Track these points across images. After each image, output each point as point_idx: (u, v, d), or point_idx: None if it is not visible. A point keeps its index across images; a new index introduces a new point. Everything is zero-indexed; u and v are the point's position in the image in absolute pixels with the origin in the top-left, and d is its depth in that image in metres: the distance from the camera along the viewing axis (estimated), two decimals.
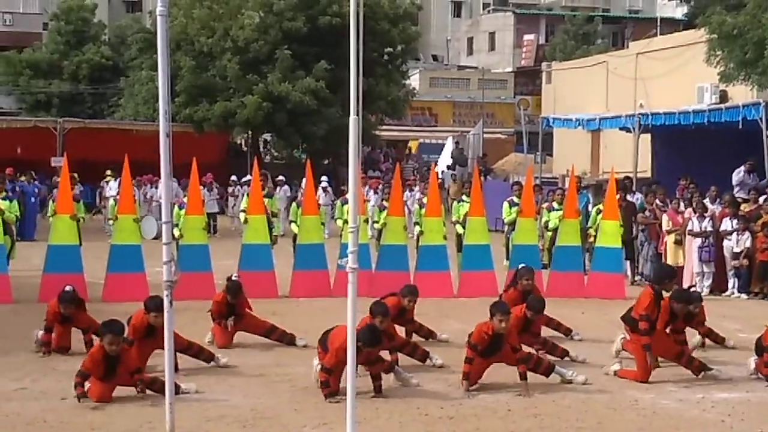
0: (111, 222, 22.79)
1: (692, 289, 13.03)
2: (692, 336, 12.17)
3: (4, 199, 16.47)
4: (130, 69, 45.44)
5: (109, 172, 29.53)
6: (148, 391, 9.46)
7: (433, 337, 12.45)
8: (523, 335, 10.88)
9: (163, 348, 8.34)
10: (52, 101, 50.98)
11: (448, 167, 42.54)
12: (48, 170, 32.96)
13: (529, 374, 10.11)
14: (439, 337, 12.44)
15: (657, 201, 19.48)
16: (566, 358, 11.42)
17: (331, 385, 9.52)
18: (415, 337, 12.03)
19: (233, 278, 12.37)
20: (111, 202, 26.06)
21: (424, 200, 20.46)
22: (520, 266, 12.65)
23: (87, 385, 9.39)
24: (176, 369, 9.28)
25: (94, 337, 10.85)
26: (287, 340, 12.17)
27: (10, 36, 55.52)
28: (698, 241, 17.99)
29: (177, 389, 9.39)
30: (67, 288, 11.65)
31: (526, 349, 10.59)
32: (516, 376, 10.15)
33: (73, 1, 54.11)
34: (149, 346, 10.17)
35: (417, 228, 18.89)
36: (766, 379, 10.65)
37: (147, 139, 26.85)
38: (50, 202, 21.14)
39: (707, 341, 12.49)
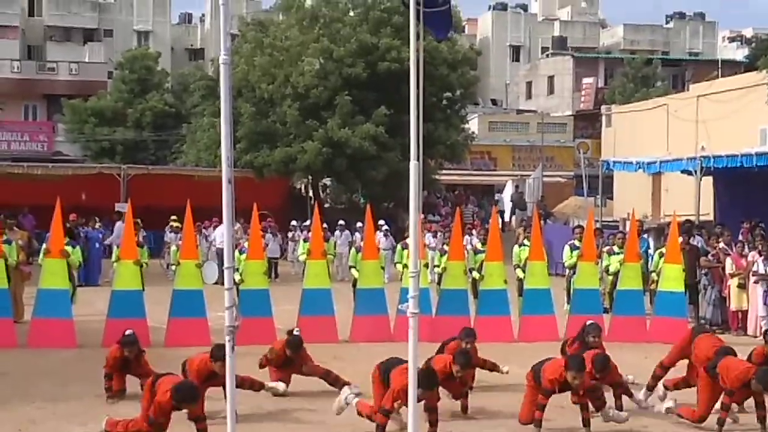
0: (173, 267, 23.00)
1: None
2: None
3: (68, 245, 16.73)
4: (192, 116, 46.05)
5: (173, 217, 29.86)
6: None
7: (498, 369, 12.41)
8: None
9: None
10: (116, 148, 51.82)
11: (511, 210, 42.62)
12: (112, 217, 33.42)
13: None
14: (502, 369, 12.38)
15: (721, 244, 19.25)
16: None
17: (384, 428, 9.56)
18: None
19: (295, 332, 12.34)
20: (173, 247, 26.32)
21: (479, 246, 20.40)
22: (588, 322, 12.44)
23: None
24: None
25: None
26: (340, 386, 12.09)
27: (75, 85, 56.77)
28: (764, 284, 17.73)
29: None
30: (128, 332, 11.81)
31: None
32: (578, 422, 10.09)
33: (137, 51, 55.22)
34: (206, 386, 10.27)
35: (474, 273, 18.81)
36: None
37: (209, 184, 27.12)
38: (114, 247, 21.41)
39: None
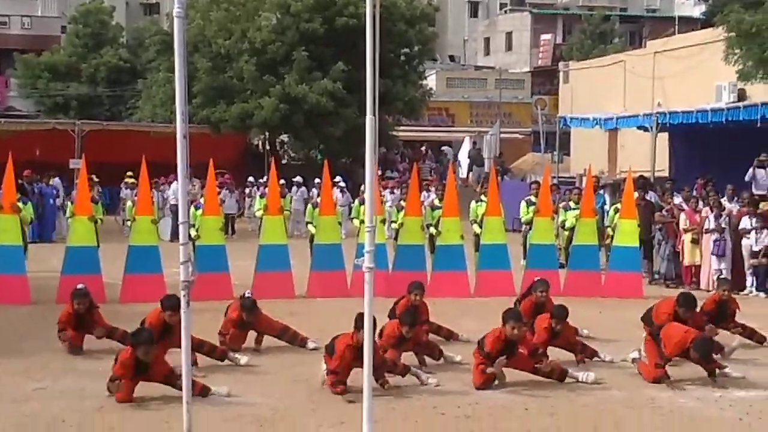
0: (129, 223, 22.88)
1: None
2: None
3: (19, 201, 16.52)
4: (148, 71, 45.64)
5: (129, 174, 29.63)
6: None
7: (455, 338, 12.47)
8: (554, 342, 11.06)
9: (177, 347, 8.38)
10: (70, 104, 51.28)
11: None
12: (67, 172, 33.07)
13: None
14: (461, 337, 12.43)
15: (677, 199, 19.44)
16: (595, 359, 11.42)
17: (341, 383, 9.59)
18: (435, 338, 12.07)
19: (247, 295, 12.30)
20: (128, 203, 26.15)
21: (436, 202, 20.44)
22: (536, 279, 12.65)
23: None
24: (194, 363, 9.33)
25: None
26: (298, 342, 12.14)
27: (28, 39, 55.90)
28: (714, 236, 17.96)
29: (207, 392, 9.49)
30: (80, 285, 11.78)
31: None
32: (532, 375, 10.18)
33: (91, 4, 54.42)
34: (164, 345, 10.19)
35: (431, 229, 18.86)
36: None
37: (164, 140, 26.84)
38: (69, 203, 21.22)
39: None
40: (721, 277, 15.36)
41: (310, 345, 12.01)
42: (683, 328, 10.58)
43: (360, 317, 8.70)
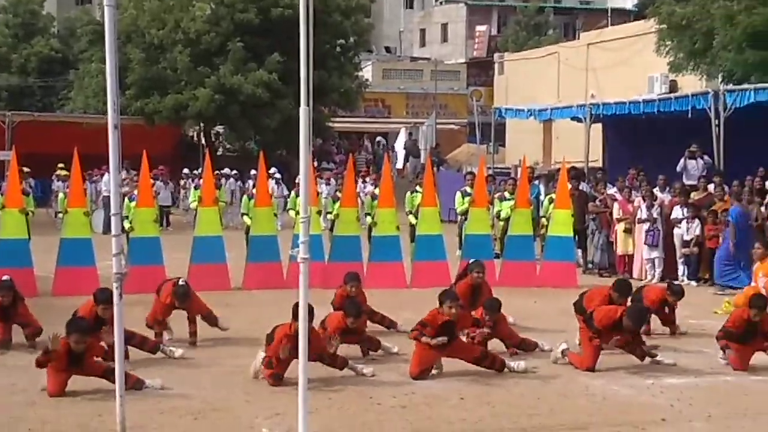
0: (61, 216, 22.57)
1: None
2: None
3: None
4: (80, 61, 45.02)
5: (61, 165, 29.24)
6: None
7: (395, 327, 12.47)
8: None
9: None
10: (0, 95, 50.38)
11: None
12: None
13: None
14: (399, 327, 12.42)
15: (612, 190, 19.66)
16: (537, 350, 11.49)
17: (280, 379, 9.57)
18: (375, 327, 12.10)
19: (180, 283, 12.18)
20: (60, 195, 25.79)
21: (376, 191, 20.45)
22: (471, 260, 12.73)
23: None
24: (126, 356, 9.22)
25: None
26: (214, 324, 12.07)
27: None
28: (646, 226, 18.19)
29: (142, 384, 9.39)
30: (5, 277, 11.61)
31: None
32: (467, 365, 10.23)
33: None
34: (97, 338, 10.03)
35: (368, 219, 18.86)
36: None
37: (97, 132, 26.45)
38: None
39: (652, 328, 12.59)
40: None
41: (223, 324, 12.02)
42: (613, 306, 10.72)
43: (297, 307, 8.65)
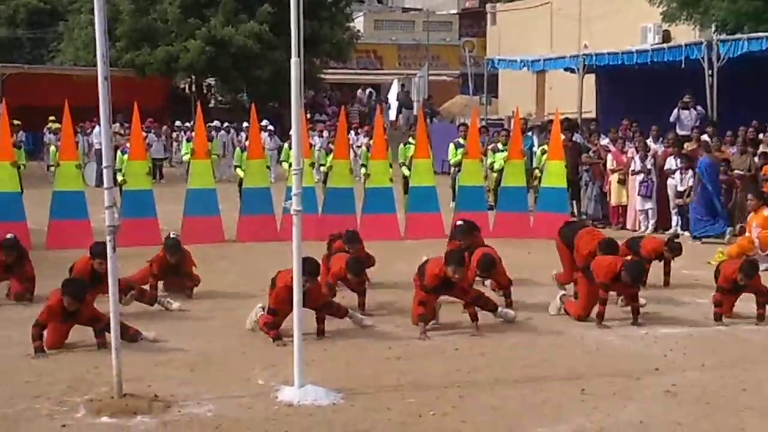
0: (53, 169, 22.50)
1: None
2: None
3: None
4: (69, 13, 44.64)
5: (52, 118, 29.08)
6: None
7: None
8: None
9: (106, 293, 8.29)
10: None
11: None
12: None
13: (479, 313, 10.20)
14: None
15: (605, 141, 19.63)
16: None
17: (276, 327, 9.55)
18: None
19: (171, 236, 12.10)
20: (52, 148, 25.69)
21: (371, 143, 20.40)
22: (458, 223, 12.59)
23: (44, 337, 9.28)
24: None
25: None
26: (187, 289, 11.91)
27: None
28: (639, 177, 18.20)
29: (136, 336, 9.40)
30: (9, 235, 11.51)
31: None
32: (463, 317, 10.25)
33: None
34: (93, 293, 10.04)
35: (363, 170, 18.83)
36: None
37: (88, 84, 26.34)
38: None
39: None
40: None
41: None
42: (612, 257, 10.71)
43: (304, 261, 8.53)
